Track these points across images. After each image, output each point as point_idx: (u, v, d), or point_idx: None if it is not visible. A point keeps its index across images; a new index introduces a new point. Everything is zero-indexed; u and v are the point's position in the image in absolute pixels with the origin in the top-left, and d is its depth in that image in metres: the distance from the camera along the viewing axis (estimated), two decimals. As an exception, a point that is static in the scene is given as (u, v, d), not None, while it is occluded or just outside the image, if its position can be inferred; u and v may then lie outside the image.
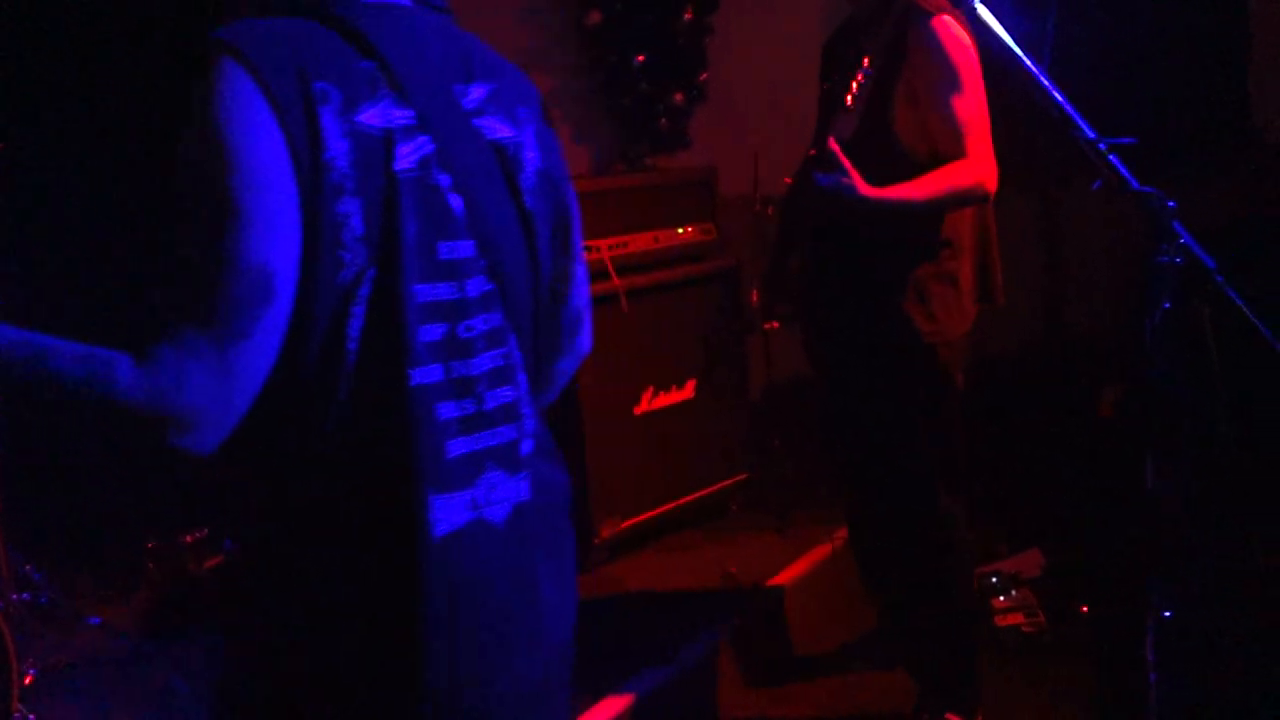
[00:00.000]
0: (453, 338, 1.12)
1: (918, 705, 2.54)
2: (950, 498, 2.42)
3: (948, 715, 2.47)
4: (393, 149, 1.08)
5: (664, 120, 3.97)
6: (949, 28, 2.21)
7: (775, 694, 2.84)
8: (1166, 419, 1.27)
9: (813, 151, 2.19)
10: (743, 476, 3.72)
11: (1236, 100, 3.58)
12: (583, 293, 1.33)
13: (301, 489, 1.09)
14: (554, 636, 1.19)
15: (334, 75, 1.07)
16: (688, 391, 3.59)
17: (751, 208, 3.48)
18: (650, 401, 3.50)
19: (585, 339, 1.37)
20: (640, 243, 3.51)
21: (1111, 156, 1.25)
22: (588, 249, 3.28)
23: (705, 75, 3.98)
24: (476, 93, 1.18)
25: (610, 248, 3.40)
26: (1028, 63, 1.33)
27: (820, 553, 3.27)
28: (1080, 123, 1.27)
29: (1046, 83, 1.30)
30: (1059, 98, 1.29)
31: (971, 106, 2.22)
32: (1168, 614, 1.33)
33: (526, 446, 1.20)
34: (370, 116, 1.08)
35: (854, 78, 2.16)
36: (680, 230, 3.62)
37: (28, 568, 2.86)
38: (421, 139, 1.11)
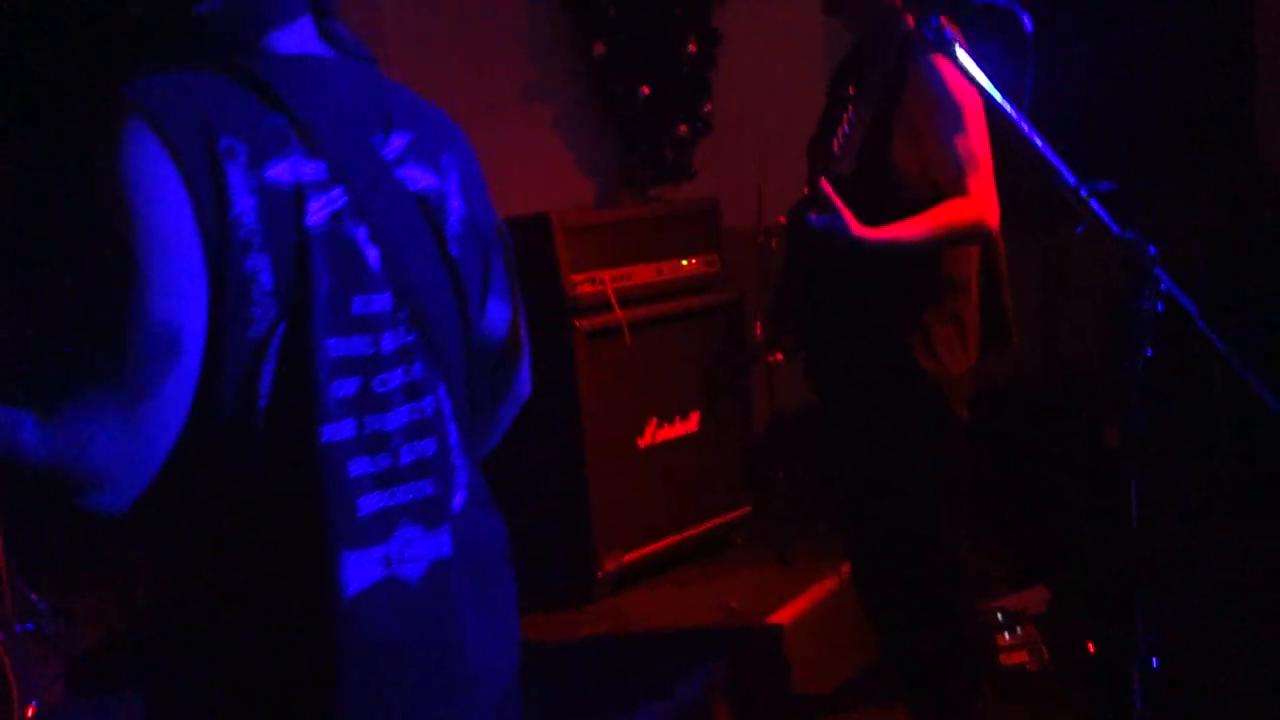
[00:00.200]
0: (367, 392, 1.11)
1: (917, 744, 2.51)
2: (954, 531, 2.40)
3: (948, 755, 2.44)
4: (304, 203, 1.08)
5: (669, 151, 3.99)
6: (951, 62, 2.21)
7: (774, 731, 2.82)
8: (1150, 464, 1.26)
9: (805, 190, 2.19)
10: (746, 510, 3.70)
11: (1237, 104, 3.57)
12: (520, 336, 1.32)
13: (215, 547, 1.08)
14: (488, 687, 1.18)
15: (241, 131, 1.06)
16: (691, 424, 3.58)
17: (755, 239, 3.48)
18: (654, 434, 3.49)
19: (524, 384, 1.36)
20: (644, 274, 3.51)
21: (1093, 201, 1.25)
22: (591, 280, 3.35)
23: (709, 107, 4.00)
24: (397, 142, 1.18)
25: (614, 279, 3.41)
26: (1008, 108, 1.33)
27: (823, 588, 3.25)
28: (1061, 169, 1.26)
29: (1027, 128, 1.30)
30: (1039, 144, 1.28)
31: (973, 143, 2.21)
32: (1155, 663, 1.31)
33: (459, 498, 1.19)
34: (279, 171, 1.08)
35: (840, 123, 2.17)
36: (684, 262, 3.62)
37: (34, 596, 2.86)
38: (335, 192, 1.11)
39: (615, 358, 3.36)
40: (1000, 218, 2.23)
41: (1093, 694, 2.79)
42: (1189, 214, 3.23)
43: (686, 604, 3.24)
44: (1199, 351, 1.24)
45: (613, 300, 3.34)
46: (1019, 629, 3.07)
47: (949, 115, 2.19)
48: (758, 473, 3.72)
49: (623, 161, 4.02)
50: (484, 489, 1.24)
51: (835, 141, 2.17)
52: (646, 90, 3.91)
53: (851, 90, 2.24)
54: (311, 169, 1.10)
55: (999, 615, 3.08)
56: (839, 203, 2.12)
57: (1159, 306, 1.22)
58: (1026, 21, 1.37)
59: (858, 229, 2.13)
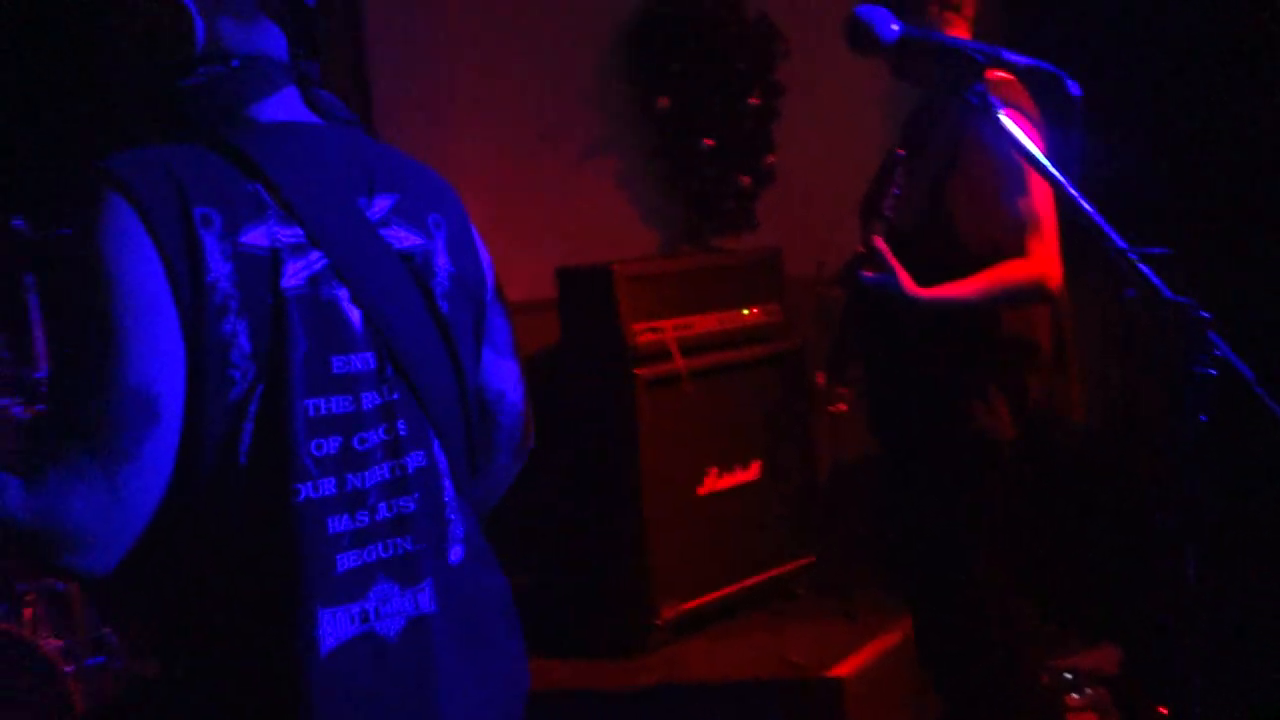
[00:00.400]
0: (347, 450, 1.13)
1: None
2: (990, 578, 2.35)
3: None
4: (280, 267, 1.12)
5: (731, 202, 4.02)
6: (1016, 121, 2.19)
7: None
8: (1200, 529, 1.24)
9: (859, 249, 2.20)
10: (809, 560, 3.67)
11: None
12: (519, 389, 1.34)
13: (198, 605, 1.11)
14: None
15: (217, 199, 1.10)
16: (753, 472, 3.58)
17: (816, 289, 3.48)
18: (714, 482, 3.49)
19: (527, 436, 1.38)
20: (705, 324, 3.53)
21: (1142, 266, 1.24)
22: (652, 329, 3.39)
23: (772, 158, 4.03)
24: (381, 204, 1.21)
25: (674, 328, 3.44)
26: (1055, 173, 1.33)
27: (887, 641, 3.20)
28: (1109, 232, 1.26)
29: (1074, 191, 1.30)
30: (1087, 207, 1.28)
31: (1035, 203, 2.18)
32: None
33: (456, 553, 1.20)
34: (255, 236, 1.11)
35: (891, 181, 2.17)
36: (745, 311, 3.64)
37: (105, 630, 2.94)
38: (313, 255, 1.14)
39: (675, 406, 3.38)
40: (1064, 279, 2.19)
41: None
42: (1242, 281, 3.16)
43: (745, 655, 3.21)
44: (1256, 418, 1.23)
45: (673, 349, 3.37)
46: (1089, 690, 3.00)
47: (1011, 175, 2.17)
48: (820, 522, 3.70)
49: (686, 213, 4.06)
50: (484, 543, 1.25)
51: (885, 201, 2.18)
52: (710, 142, 3.96)
53: (900, 150, 2.24)
54: (288, 233, 1.13)
55: (1068, 675, 3.01)
56: (893, 260, 2.12)
57: (1212, 372, 1.21)
58: (1072, 86, 1.38)
59: (911, 287, 2.13)
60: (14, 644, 2.59)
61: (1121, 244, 1.26)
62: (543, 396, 4.36)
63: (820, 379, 3.63)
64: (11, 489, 1.03)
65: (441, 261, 1.24)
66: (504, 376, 1.33)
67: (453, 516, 1.20)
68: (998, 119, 1.35)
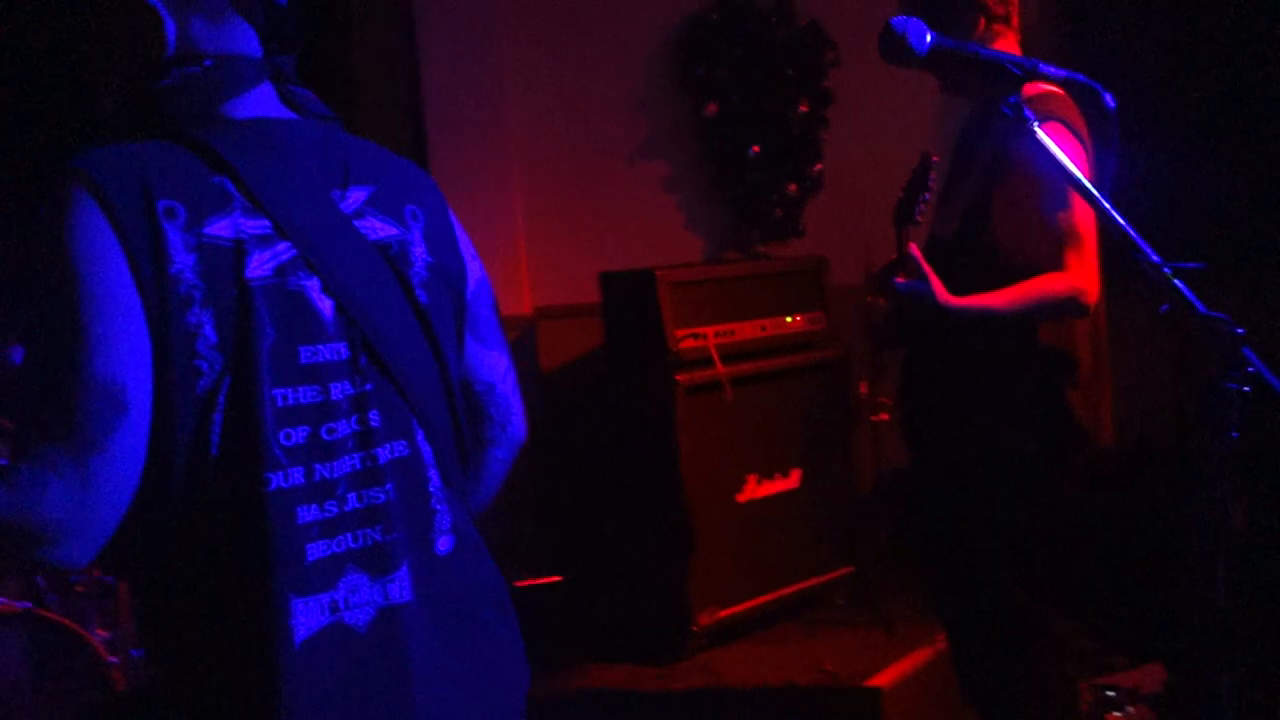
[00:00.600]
0: (316, 440, 1.14)
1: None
2: (1052, 611, 2.33)
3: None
4: (244, 258, 1.13)
5: (778, 210, 4.02)
6: (1057, 134, 2.17)
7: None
8: (1230, 546, 1.23)
9: (894, 255, 2.19)
10: (848, 570, 3.65)
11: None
12: (508, 380, 1.34)
13: (177, 596, 1.13)
14: None
15: (181, 192, 1.12)
16: (793, 481, 3.57)
17: (862, 298, 3.47)
18: (754, 489, 3.49)
19: (518, 427, 1.38)
20: (747, 331, 3.53)
21: (1177, 280, 1.23)
22: (694, 335, 3.40)
23: (819, 166, 4.02)
24: (355, 196, 1.22)
25: (716, 334, 3.44)
26: (1090, 188, 1.32)
27: (925, 653, 3.18)
28: (1144, 246, 1.25)
29: (1108, 205, 1.29)
30: (1122, 222, 1.27)
31: (1076, 218, 2.15)
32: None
33: (444, 543, 1.21)
34: (219, 228, 1.13)
35: (925, 189, 2.16)
36: (789, 319, 3.63)
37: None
38: (280, 246, 1.15)
39: (716, 413, 3.38)
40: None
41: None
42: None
43: (782, 663, 3.21)
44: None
45: (714, 355, 3.38)
46: (1130, 708, 2.95)
47: (1053, 188, 2.15)
48: (861, 532, 3.68)
49: (733, 220, 4.07)
50: (474, 533, 1.25)
51: (918, 205, 2.17)
52: (757, 150, 3.96)
53: (935, 159, 2.23)
54: (254, 224, 1.14)
55: (1111, 693, 2.97)
56: (927, 267, 2.11)
57: (1246, 389, 1.19)
58: (1108, 99, 1.36)
59: (944, 296, 2.11)
60: (62, 634, 2.66)
61: (1156, 258, 1.25)
62: (586, 400, 4.37)
63: (863, 388, 3.63)
64: None
65: (419, 252, 1.24)
66: (492, 369, 1.33)
67: (439, 507, 1.20)
68: (1032, 131, 1.34)
